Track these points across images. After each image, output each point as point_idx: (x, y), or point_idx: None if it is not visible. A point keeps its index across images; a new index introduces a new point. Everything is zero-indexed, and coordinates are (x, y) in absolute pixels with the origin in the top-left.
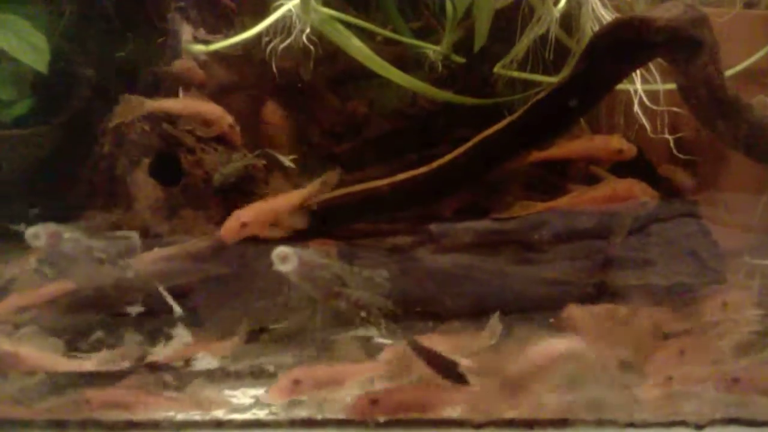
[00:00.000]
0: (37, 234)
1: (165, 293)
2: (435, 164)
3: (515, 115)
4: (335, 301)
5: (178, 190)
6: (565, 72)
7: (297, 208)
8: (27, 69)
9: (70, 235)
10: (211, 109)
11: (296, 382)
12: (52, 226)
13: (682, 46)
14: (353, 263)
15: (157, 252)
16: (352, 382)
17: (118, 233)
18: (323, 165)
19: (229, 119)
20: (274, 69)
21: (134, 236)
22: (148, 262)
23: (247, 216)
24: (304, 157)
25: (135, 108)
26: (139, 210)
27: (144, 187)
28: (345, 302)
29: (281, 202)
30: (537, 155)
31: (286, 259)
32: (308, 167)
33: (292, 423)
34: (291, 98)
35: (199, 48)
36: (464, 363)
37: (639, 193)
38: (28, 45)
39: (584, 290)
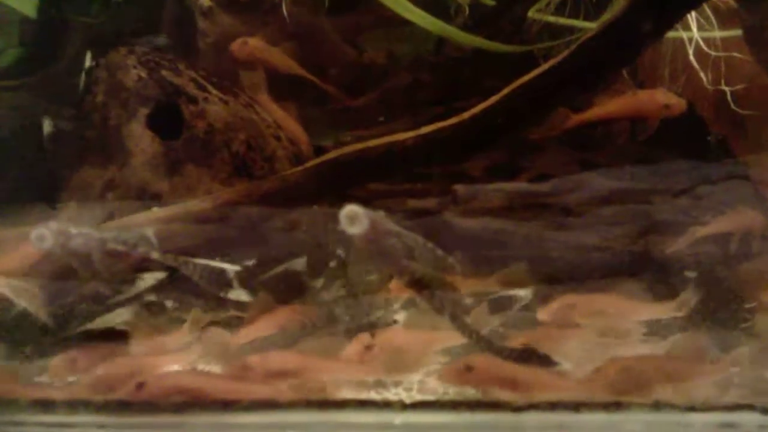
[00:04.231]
0: (43, 235)
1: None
2: (466, 115)
3: (560, 57)
4: (400, 276)
5: (179, 144)
6: (609, 15)
7: None
8: (15, 15)
9: (78, 230)
10: (298, 130)
11: None
12: (56, 225)
13: None
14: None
15: (156, 212)
16: None
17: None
18: (339, 120)
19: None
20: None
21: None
22: (144, 223)
23: None
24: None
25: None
26: (136, 166)
27: (141, 140)
28: (408, 278)
29: None
30: (577, 118)
31: (355, 219)
32: (324, 123)
33: None
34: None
35: None
36: None
37: (663, 100)
38: None
39: (626, 258)
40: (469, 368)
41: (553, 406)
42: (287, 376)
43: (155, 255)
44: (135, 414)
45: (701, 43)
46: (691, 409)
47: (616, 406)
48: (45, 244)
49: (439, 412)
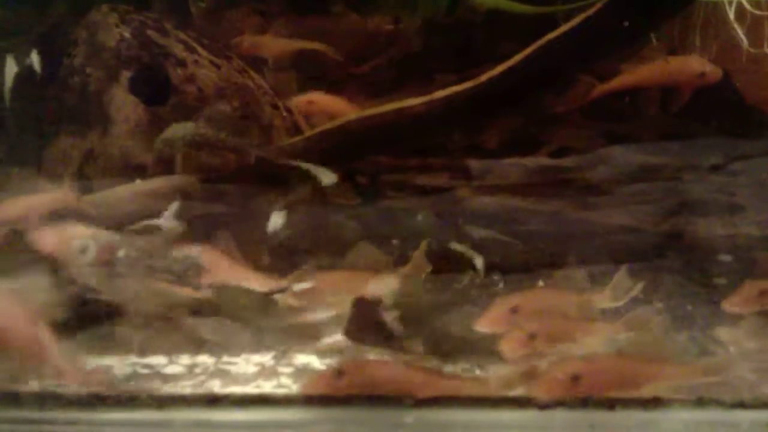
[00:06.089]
0: (86, 247)
1: None
2: (484, 77)
3: (588, 13)
4: None
5: (165, 110)
6: None
7: None
8: None
9: (126, 252)
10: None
11: None
12: (105, 235)
13: None
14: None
15: (138, 185)
16: None
17: (182, 253)
18: (341, 89)
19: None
20: None
21: (198, 254)
22: (125, 197)
23: None
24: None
25: None
26: (118, 135)
27: (124, 107)
28: None
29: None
30: (603, 87)
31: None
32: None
33: None
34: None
35: None
36: None
37: (698, 68)
38: None
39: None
40: (340, 373)
41: (584, 402)
42: None
43: (202, 291)
44: (110, 410)
45: (745, 3)
46: (739, 405)
47: (654, 403)
48: (87, 256)
49: (450, 409)
